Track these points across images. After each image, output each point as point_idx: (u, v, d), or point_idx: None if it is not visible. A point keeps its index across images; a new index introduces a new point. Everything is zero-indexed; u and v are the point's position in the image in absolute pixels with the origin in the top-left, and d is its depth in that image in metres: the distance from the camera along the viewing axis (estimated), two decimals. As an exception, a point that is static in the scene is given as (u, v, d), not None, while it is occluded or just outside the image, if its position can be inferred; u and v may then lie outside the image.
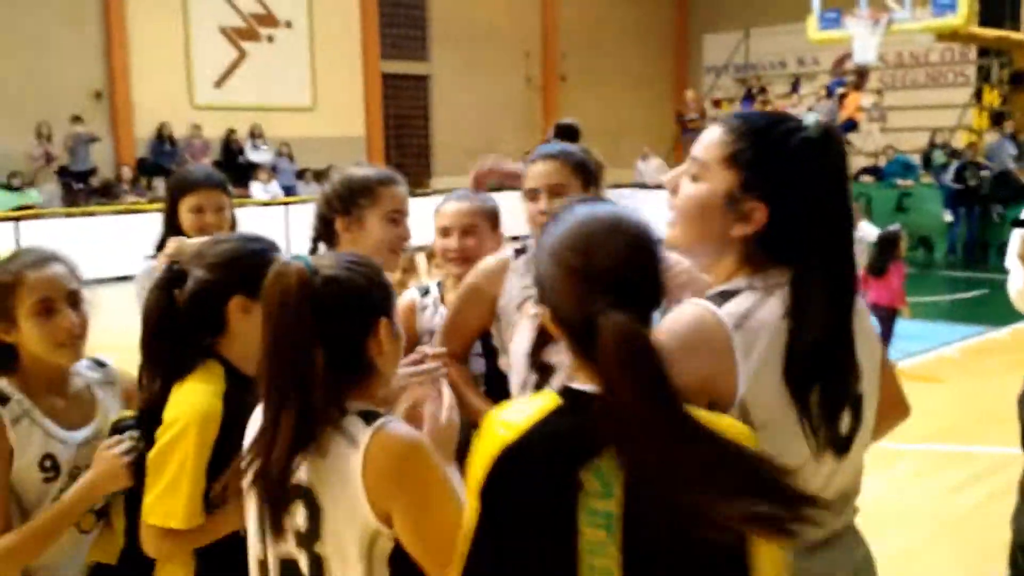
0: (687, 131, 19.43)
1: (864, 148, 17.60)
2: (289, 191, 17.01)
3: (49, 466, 2.05)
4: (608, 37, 23.33)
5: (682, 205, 1.56)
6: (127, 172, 15.48)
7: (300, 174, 17.72)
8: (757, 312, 1.44)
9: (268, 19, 18.23)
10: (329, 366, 1.57)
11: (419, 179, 20.96)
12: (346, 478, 1.52)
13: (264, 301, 1.62)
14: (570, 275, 1.36)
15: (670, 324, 1.45)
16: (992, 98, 18.10)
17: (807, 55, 21.42)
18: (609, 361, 1.28)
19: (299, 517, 1.57)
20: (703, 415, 1.32)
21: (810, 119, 1.51)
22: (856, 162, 17.71)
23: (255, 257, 1.93)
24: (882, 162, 16.51)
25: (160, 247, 3.05)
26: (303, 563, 1.58)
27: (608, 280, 1.33)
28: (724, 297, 1.48)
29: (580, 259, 1.35)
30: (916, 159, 16.18)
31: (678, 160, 20.31)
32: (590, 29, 23.02)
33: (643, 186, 18.15)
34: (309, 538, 1.57)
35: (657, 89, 24.67)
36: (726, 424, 1.34)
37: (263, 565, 1.65)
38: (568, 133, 2.56)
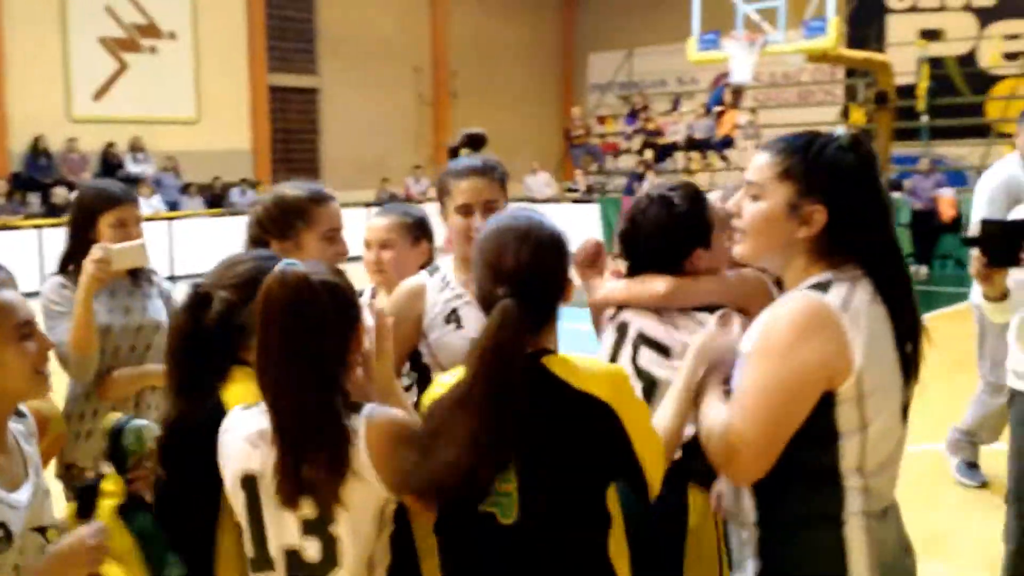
0: (574, 147, 19.87)
1: (741, 164, 18.32)
2: (173, 206, 16.69)
3: (2, 536, 1.85)
4: (497, 55, 23.67)
5: (750, 222, 1.82)
6: (1, 186, 14.94)
7: (184, 188, 17.40)
8: (853, 298, 1.71)
9: (150, 30, 17.86)
10: (327, 363, 1.76)
11: (308, 194, 20.82)
12: (355, 465, 1.73)
13: (266, 307, 1.75)
14: (486, 267, 1.80)
15: (787, 314, 1.72)
16: (858, 116, 19.08)
17: (687, 74, 22.16)
18: (484, 333, 1.71)
19: (306, 507, 1.74)
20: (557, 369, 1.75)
21: (839, 131, 1.85)
22: (733, 177, 18.44)
23: None
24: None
25: (67, 262, 3.09)
26: (312, 549, 1.76)
27: (510, 276, 1.75)
28: (820, 288, 1.73)
29: (493, 257, 1.79)
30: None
31: (566, 175, 20.76)
32: (480, 47, 23.31)
33: (532, 200, 18.43)
34: (321, 523, 1.75)
35: (545, 106, 25.13)
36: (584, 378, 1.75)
37: (261, 562, 1.81)
38: (476, 142, 2.69)
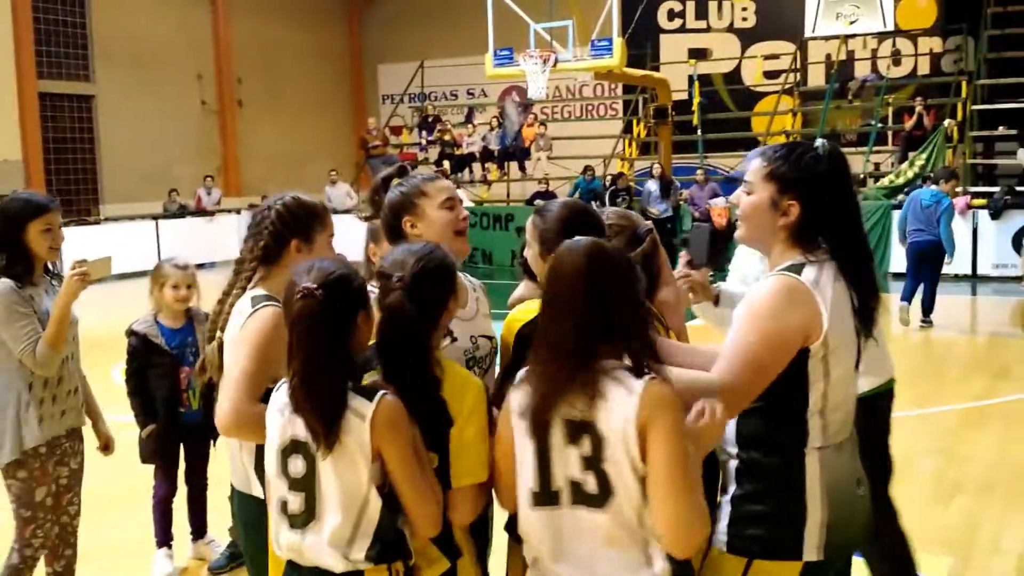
0: (371, 157, 19.89)
1: (534, 174, 19.04)
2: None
3: None
4: (284, 64, 23.29)
5: (743, 212, 2.32)
6: None
7: (-49, 202, 16.04)
8: (821, 278, 2.18)
9: (-95, 31, 16.36)
10: (350, 349, 2.15)
11: (86, 206, 19.70)
12: (359, 440, 2.09)
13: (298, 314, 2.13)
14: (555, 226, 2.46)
15: (769, 289, 2.18)
16: (640, 130, 20.29)
17: (477, 88, 22.73)
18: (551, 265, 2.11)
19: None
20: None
21: (819, 143, 2.28)
22: (530, 187, 19.13)
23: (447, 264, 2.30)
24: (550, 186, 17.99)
25: (9, 268, 3.45)
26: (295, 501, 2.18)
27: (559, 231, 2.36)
28: (794, 270, 2.20)
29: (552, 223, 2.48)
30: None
31: (364, 185, 20.71)
32: (265, 54, 22.85)
33: (334, 211, 18.30)
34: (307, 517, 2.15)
35: (338, 116, 24.96)
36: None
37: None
38: (404, 172, 2.84)
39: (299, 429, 2.12)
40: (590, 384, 1.95)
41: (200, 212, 19.35)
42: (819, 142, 2.28)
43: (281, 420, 2.16)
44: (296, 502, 2.14)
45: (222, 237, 18.18)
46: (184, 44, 21.23)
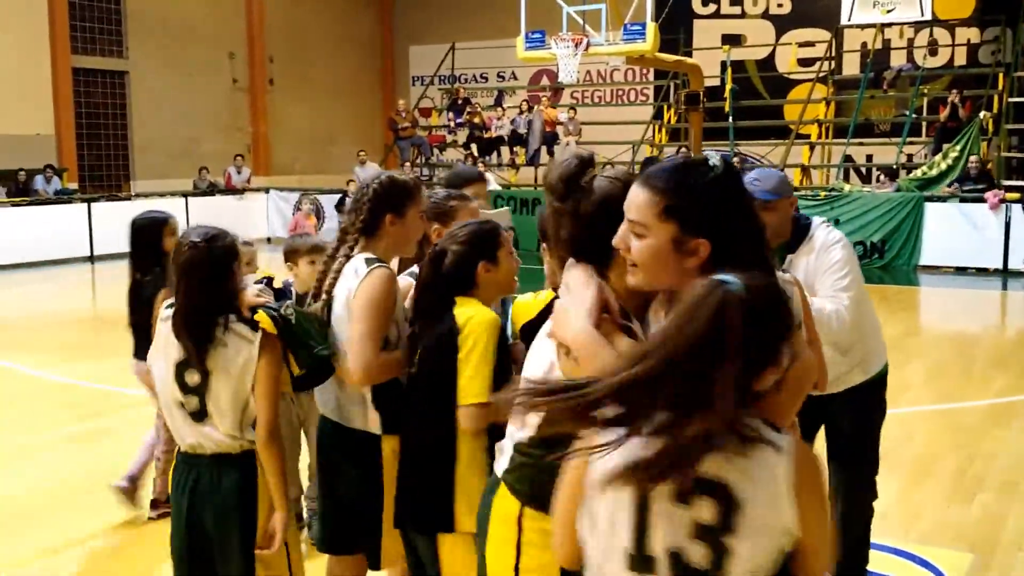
0: (400, 139, 19.89)
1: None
2: (-27, 195, 15.57)
3: None
4: (315, 44, 23.33)
5: (639, 259, 1.88)
6: None
7: (-16, 176, 16.26)
8: None
9: (-58, 5, 16.53)
10: (228, 290, 2.83)
11: (116, 182, 19.87)
12: (247, 358, 2.77)
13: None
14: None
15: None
16: (671, 116, 20.14)
17: (507, 71, 22.66)
18: None
19: None
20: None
21: (713, 159, 1.88)
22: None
23: (492, 233, 2.83)
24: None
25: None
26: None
27: None
28: None
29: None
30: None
31: (392, 166, 20.76)
32: (297, 35, 22.91)
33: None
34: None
35: (367, 97, 24.99)
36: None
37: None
38: None
39: (178, 351, 2.77)
40: (730, 439, 1.60)
41: (230, 190, 19.44)
42: (713, 157, 1.90)
43: (164, 339, 2.81)
44: (192, 404, 2.80)
45: (251, 215, 18.28)
46: (216, 22, 21.32)
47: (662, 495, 1.64)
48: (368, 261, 2.92)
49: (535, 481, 2.16)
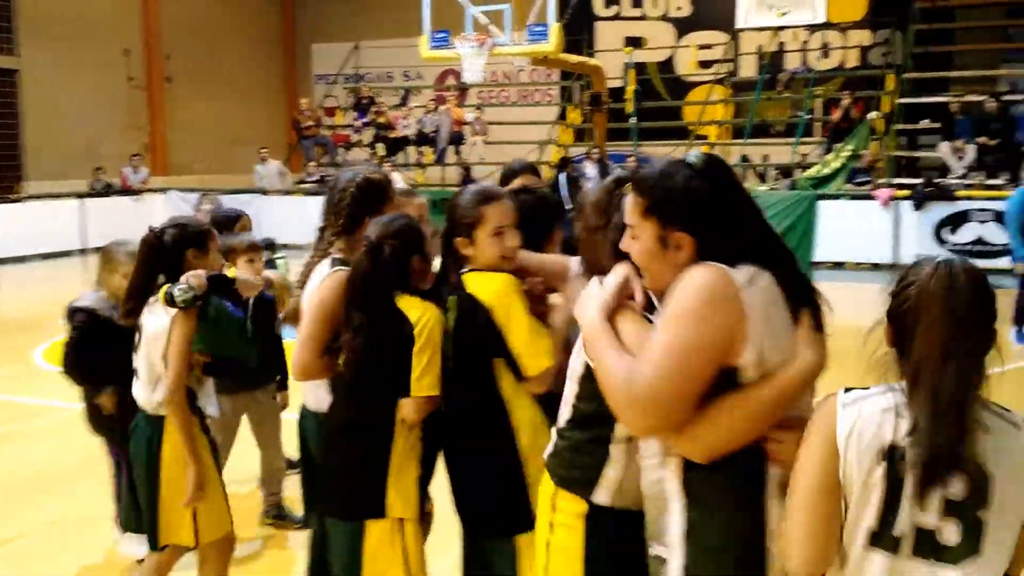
0: (304, 138, 19.66)
1: (469, 158, 19.02)
2: None
3: None
4: (216, 41, 22.88)
5: (638, 260, 2.05)
6: None
7: None
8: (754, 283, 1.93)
9: None
10: (176, 272, 3.42)
11: (8, 183, 19.15)
12: (163, 330, 3.36)
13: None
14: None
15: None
16: (575, 117, 20.38)
17: (412, 70, 22.61)
18: None
19: None
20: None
21: (692, 156, 2.02)
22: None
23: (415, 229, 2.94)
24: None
25: None
26: None
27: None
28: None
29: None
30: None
31: (295, 166, 20.50)
32: (196, 32, 22.41)
33: (263, 192, 18.03)
34: None
35: (270, 96, 24.60)
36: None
37: None
38: None
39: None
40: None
41: (126, 191, 18.94)
42: (692, 155, 2.03)
43: None
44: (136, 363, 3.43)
45: (149, 217, 17.79)
46: (112, 19, 20.73)
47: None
48: (334, 262, 3.04)
49: (570, 463, 2.33)
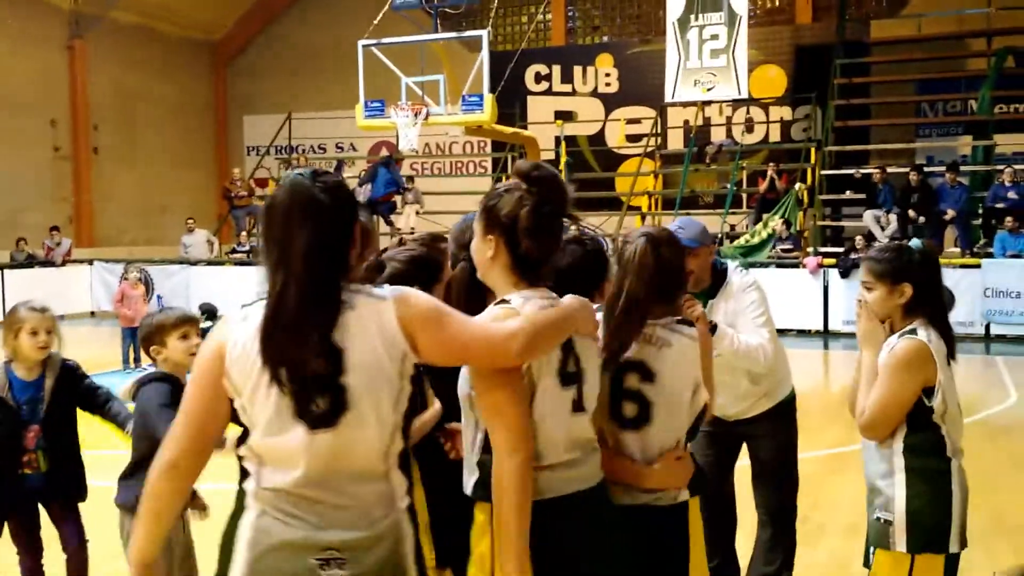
0: (235, 208, 19.44)
1: (404, 228, 18.99)
2: None
3: None
4: (145, 112, 22.67)
5: (875, 308, 3.17)
6: None
7: None
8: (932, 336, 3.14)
9: None
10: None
11: (-74, 255, 18.52)
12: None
13: None
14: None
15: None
16: (509, 187, 20.50)
17: (346, 141, 22.63)
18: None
19: None
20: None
21: (914, 243, 3.09)
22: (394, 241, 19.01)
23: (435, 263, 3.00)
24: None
25: None
26: None
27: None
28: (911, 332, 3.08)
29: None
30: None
31: (226, 236, 20.21)
32: (125, 102, 22.21)
33: (190, 262, 17.71)
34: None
35: (200, 166, 24.38)
36: None
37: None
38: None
39: None
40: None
41: (49, 263, 18.43)
42: (915, 242, 3.07)
43: None
44: None
45: (73, 289, 17.34)
46: (38, 89, 20.44)
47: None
48: None
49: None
